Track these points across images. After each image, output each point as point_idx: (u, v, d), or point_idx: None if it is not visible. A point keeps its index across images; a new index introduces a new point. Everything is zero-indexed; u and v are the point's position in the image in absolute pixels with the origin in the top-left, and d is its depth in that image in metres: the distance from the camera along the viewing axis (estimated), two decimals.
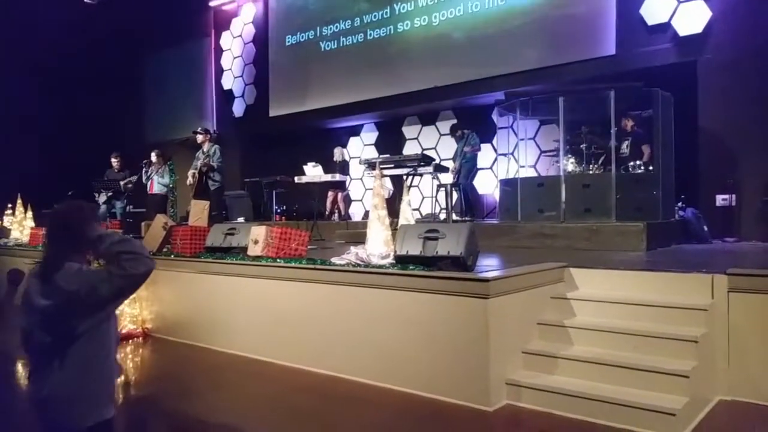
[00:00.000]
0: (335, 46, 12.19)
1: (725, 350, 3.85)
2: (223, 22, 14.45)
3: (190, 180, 9.16)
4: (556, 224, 6.71)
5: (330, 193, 11.13)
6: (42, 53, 13.65)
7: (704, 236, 7.24)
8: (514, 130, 9.12)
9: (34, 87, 13.84)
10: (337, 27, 12.12)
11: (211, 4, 14.41)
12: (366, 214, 10.74)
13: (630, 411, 3.36)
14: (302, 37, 12.77)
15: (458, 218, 8.68)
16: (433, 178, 8.32)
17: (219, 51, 14.51)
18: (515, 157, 8.72)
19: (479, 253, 4.33)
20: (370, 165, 7.75)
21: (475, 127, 9.68)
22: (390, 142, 12.06)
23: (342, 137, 12.85)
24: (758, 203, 7.43)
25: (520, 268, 4.28)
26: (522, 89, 8.79)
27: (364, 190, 12.49)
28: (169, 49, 15.37)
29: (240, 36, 14.10)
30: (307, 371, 4.66)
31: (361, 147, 12.84)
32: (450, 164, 9.42)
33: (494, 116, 9.85)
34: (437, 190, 8.56)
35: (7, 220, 10.38)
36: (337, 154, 11.20)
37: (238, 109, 14.10)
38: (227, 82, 14.32)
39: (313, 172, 9.25)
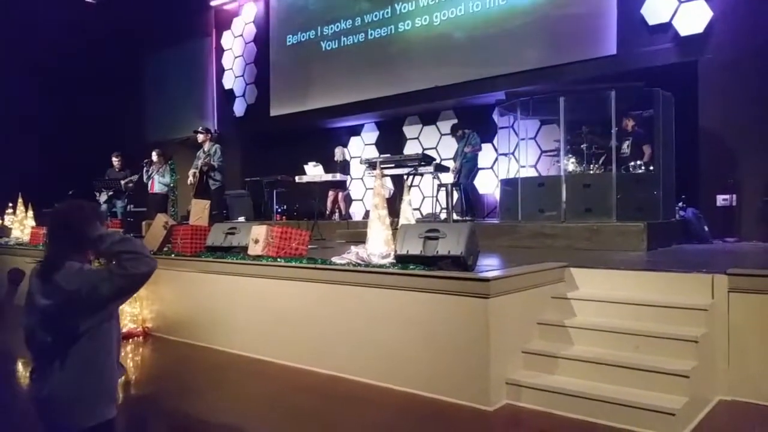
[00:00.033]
0: (336, 45, 12.19)
1: (725, 350, 3.85)
2: (224, 21, 14.45)
3: (190, 179, 9.16)
4: (557, 224, 6.71)
5: (330, 193, 11.13)
6: (42, 53, 13.63)
7: (705, 236, 7.24)
8: (514, 130, 9.13)
9: (34, 87, 13.81)
10: (337, 27, 12.12)
11: (212, 3, 14.42)
12: (366, 214, 10.74)
13: (630, 411, 3.36)
14: (303, 36, 12.77)
15: (459, 218, 8.69)
16: (434, 177, 8.32)
17: (220, 50, 14.52)
18: (516, 156, 8.72)
19: (480, 253, 4.33)
20: (371, 165, 7.75)
21: (476, 126, 9.69)
22: (391, 142, 12.07)
23: (343, 137, 12.86)
24: (759, 203, 7.43)
25: (520, 268, 4.29)
26: (523, 89, 8.77)
27: (365, 190, 12.50)
28: (170, 49, 15.37)
29: (241, 36, 14.10)
30: (307, 371, 4.66)
31: (361, 147, 12.85)
32: (450, 164, 9.41)
33: (495, 116, 9.86)
34: (438, 190, 8.55)
35: (7, 219, 10.39)
36: (338, 153, 11.19)
37: (238, 108, 14.10)
38: (228, 82, 14.32)
39: (313, 172, 9.25)
